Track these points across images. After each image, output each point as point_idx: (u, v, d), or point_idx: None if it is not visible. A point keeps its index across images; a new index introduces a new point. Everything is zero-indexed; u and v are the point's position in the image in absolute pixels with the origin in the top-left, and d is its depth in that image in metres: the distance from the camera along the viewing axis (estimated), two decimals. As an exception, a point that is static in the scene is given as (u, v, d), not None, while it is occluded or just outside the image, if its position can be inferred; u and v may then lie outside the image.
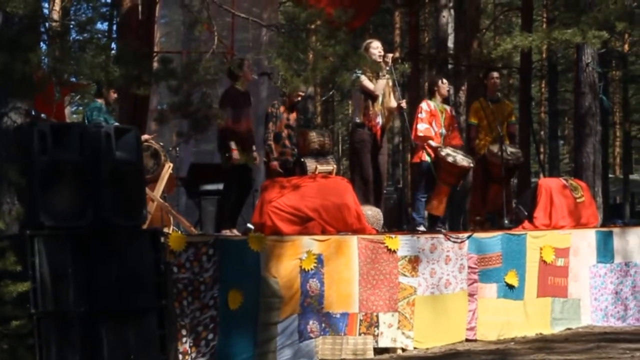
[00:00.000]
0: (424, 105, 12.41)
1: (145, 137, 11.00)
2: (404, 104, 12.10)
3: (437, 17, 21.42)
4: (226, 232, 10.85)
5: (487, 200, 12.77)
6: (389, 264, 10.29)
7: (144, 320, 8.19)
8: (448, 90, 12.99)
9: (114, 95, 11.30)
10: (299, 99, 12.32)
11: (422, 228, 11.94)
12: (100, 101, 11.25)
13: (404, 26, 30.07)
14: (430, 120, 12.25)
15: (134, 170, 8.38)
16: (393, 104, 11.95)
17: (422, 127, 12.15)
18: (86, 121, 11.16)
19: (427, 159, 12.14)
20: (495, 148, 12.34)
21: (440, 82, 12.65)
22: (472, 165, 12.18)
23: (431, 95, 12.59)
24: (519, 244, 11.29)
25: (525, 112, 19.84)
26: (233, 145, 11.24)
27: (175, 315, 8.88)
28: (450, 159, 11.87)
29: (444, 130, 12.37)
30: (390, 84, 11.92)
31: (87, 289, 7.84)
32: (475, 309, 10.87)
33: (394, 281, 10.32)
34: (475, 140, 12.88)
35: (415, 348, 10.38)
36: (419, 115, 12.26)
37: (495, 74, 13.24)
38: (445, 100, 12.98)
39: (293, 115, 12.12)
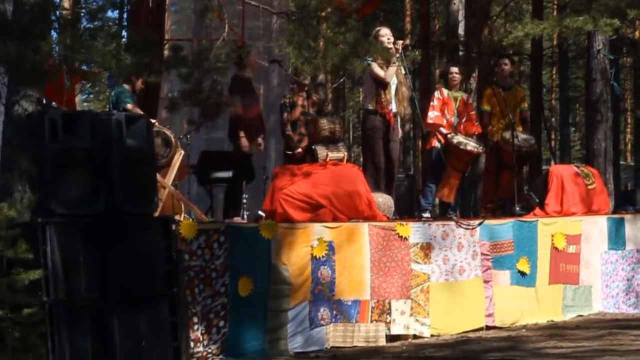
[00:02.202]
0: (437, 93, 12.50)
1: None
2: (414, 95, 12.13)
3: (448, 4, 21.35)
4: (238, 219, 10.91)
5: (499, 187, 12.79)
6: (400, 251, 10.33)
7: (155, 307, 8.18)
8: (458, 80, 12.91)
9: (141, 86, 11.37)
10: (307, 82, 12.39)
11: (427, 214, 11.97)
12: (126, 86, 11.31)
13: (415, 13, 29.97)
14: (442, 108, 12.31)
15: (145, 157, 8.36)
16: (406, 92, 11.96)
17: (432, 115, 12.23)
18: (111, 104, 11.21)
19: (438, 145, 12.20)
20: (508, 135, 12.36)
21: (449, 71, 12.69)
22: (481, 150, 12.22)
23: (446, 83, 12.62)
24: (531, 230, 11.31)
25: (536, 99, 19.78)
26: (242, 133, 11.35)
27: (186, 303, 8.92)
28: (458, 144, 11.91)
29: (456, 118, 12.40)
30: (403, 71, 11.92)
31: (99, 277, 7.83)
32: (492, 295, 10.91)
33: (406, 268, 10.35)
34: (488, 126, 12.89)
35: (432, 335, 10.42)
36: (432, 102, 12.36)
37: (505, 61, 13.24)
38: (462, 88, 12.98)
39: (309, 101, 12.20)
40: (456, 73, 12.65)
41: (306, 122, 12.03)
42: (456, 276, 10.71)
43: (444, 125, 12.22)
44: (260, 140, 12.07)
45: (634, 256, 12.07)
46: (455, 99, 12.46)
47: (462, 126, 12.43)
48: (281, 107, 12.32)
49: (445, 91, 12.45)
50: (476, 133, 12.57)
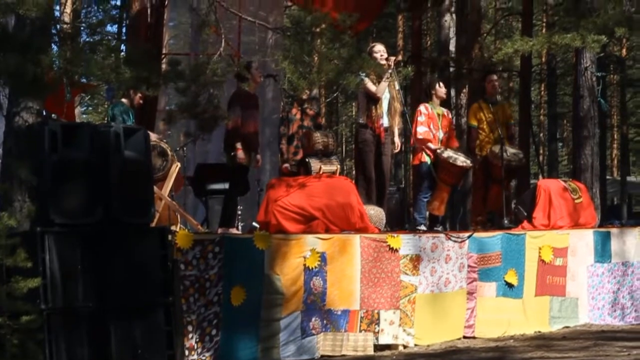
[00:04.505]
0: (422, 108, 12.49)
1: (152, 136, 11.16)
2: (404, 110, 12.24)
3: (440, 22, 21.59)
4: (233, 230, 11.01)
5: (487, 200, 12.91)
6: (390, 263, 10.41)
7: (151, 316, 8.30)
8: (446, 94, 13.09)
9: (139, 101, 11.45)
10: (305, 97, 12.52)
11: (422, 227, 12.06)
12: (125, 101, 11.43)
13: (407, 30, 30.17)
14: (429, 123, 12.38)
15: (142, 169, 8.48)
16: (399, 107, 12.07)
17: (421, 130, 12.26)
18: (108, 119, 11.33)
19: (427, 160, 12.27)
20: (497, 149, 12.47)
21: (437, 85, 12.76)
22: (470, 165, 12.35)
23: (429, 99, 12.74)
24: (519, 243, 11.39)
25: (525, 115, 19.88)
26: (239, 145, 11.46)
27: (181, 312, 8.96)
28: (450, 160, 12.03)
29: (441, 133, 12.49)
30: (397, 87, 12.05)
31: (96, 286, 7.94)
32: (474, 307, 10.98)
33: (395, 279, 10.43)
34: (475, 141, 13.02)
35: (416, 345, 10.49)
36: (418, 118, 12.38)
37: (494, 77, 13.39)
38: (443, 104, 13.09)
39: (306, 116, 12.34)
40: (442, 87, 12.79)
41: (301, 135, 12.17)
42: (441, 287, 10.77)
43: (432, 140, 12.33)
44: (258, 157, 12.19)
45: (619, 269, 12.15)
46: (439, 115, 12.56)
47: (445, 141, 12.55)
48: (280, 120, 12.47)
49: (429, 107, 12.51)
50: (454, 147, 12.68)
